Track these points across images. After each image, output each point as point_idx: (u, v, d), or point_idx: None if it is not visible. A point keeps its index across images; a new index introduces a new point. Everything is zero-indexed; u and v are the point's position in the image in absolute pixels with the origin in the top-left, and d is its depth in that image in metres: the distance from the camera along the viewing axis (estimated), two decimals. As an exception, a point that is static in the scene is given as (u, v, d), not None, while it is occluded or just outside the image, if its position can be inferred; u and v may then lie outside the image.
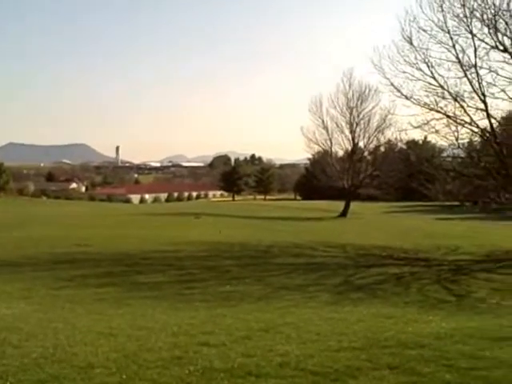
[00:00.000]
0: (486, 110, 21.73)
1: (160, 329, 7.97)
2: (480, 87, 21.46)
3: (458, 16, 21.22)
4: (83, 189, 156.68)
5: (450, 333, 7.65)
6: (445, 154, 30.28)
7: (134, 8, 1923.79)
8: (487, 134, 22.57)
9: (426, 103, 22.78)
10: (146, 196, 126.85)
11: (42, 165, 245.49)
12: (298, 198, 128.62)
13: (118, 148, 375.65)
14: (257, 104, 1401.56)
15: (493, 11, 20.35)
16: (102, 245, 22.07)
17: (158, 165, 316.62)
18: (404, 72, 22.97)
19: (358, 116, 51.07)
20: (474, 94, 21.70)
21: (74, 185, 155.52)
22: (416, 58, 22.43)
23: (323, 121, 52.68)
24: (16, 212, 49.07)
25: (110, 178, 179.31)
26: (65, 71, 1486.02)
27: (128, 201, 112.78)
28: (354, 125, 51.47)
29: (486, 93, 21.43)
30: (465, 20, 21.06)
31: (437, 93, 22.37)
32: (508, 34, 20.29)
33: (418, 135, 31.53)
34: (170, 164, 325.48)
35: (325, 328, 8.17)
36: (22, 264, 17.21)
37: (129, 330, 7.91)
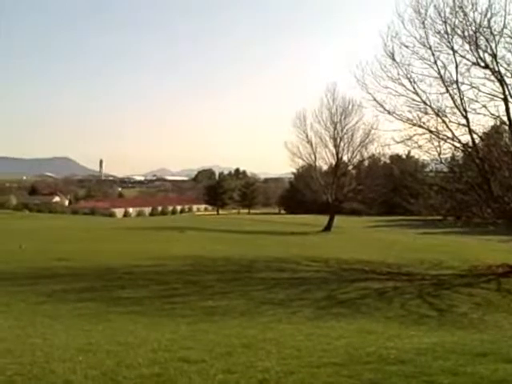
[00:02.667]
0: (468, 126, 21.92)
1: (140, 344, 7.86)
2: (462, 103, 21.69)
3: (439, 32, 21.48)
4: (66, 202, 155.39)
5: (431, 348, 7.63)
6: (428, 169, 30.46)
7: (118, 21, 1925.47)
8: (469, 149, 22.75)
9: (408, 118, 22.95)
10: (130, 210, 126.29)
11: (24, 178, 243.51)
12: (283, 212, 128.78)
13: (101, 161, 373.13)
14: (242, 118, 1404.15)
15: (474, 28, 20.62)
16: (84, 259, 21.86)
17: (142, 178, 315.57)
18: (387, 87, 23.15)
19: (342, 131, 51.39)
20: (455, 110, 21.91)
21: (57, 198, 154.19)
22: (398, 74, 22.63)
23: (307, 135, 52.98)
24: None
25: (94, 192, 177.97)
26: (48, 84, 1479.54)
27: (112, 215, 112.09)
28: (338, 139, 51.75)
29: (468, 108, 21.66)
30: (446, 36, 21.33)
31: (419, 108, 22.55)
32: (488, 50, 20.55)
33: (401, 150, 31.82)
34: (154, 178, 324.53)
35: (306, 344, 8.11)
36: (1, 278, 16.96)
37: (108, 345, 7.78)
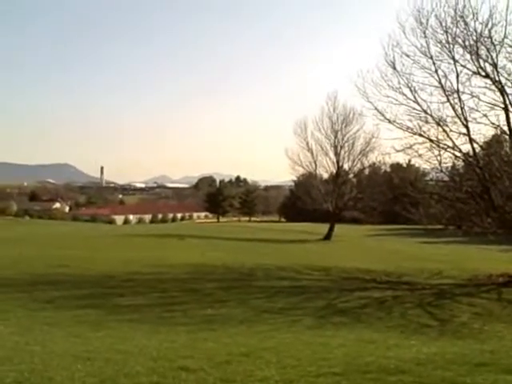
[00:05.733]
0: (469, 135, 21.89)
1: (139, 353, 7.84)
2: (462, 112, 21.66)
3: (440, 42, 21.50)
4: (67, 209, 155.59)
5: (431, 358, 7.60)
6: (428, 178, 30.43)
7: (121, 27, 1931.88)
8: (470, 159, 22.73)
9: (409, 127, 22.92)
10: (131, 217, 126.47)
11: (25, 184, 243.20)
12: (283, 220, 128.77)
13: (102, 168, 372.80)
14: (243, 126, 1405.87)
15: (474, 38, 20.64)
16: (84, 266, 21.81)
17: (143, 185, 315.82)
18: (387, 96, 23.13)
19: (343, 139, 51.41)
20: (456, 119, 21.88)
21: (57, 205, 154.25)
22: (399, 83, 22.62)
23: (308, 143, 53.01)
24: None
25: (94, 199, 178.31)
26: (49, 90, 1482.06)
27: (112, 222, 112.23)
28: (339, 148, 51.79)
29: (469, 118, 21.61)
30: (447, 46, 21.34)
31: (420, 117, 22.53)
32: (489, 60, 20.57)
33: (401, 159, 31.76)
34: (154, 185, 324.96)
35: (305, 353, 8.09)
36: (0, 285, 16.90)
37: (107, 353, 7.76)
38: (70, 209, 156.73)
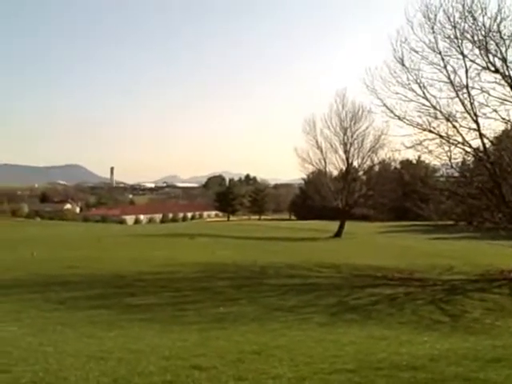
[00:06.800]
0: (479, 130, 21.80)
1: (151, 352, 7.87)
2: (472, 107, 21.56)
3: (449, 37, 21.39)
4: (78, 210, 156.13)
5: (444, 354, 7.59)
6: (438, 174, 30.34)
7: (125, 29, 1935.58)
8: (480, 154, 22.62)
9: (418, 123, 22.86)
10: (141, 217, 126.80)
11: (36, 185, 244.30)
12: (293, 218, 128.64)
13: (112, 169, 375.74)
14: (252, 124, 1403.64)
15: (483, 32, 20.53)
16: (95, 266, 21.91)
17: (153, 185, 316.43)
18: (396, 93, 23.07)
19: (352, 136, 51.29)
20: (466, 115, 21.78)
21: (68, 206, 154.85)
22: (408, 79, 22.56)
23: (317, 141, 52.95)
24: (7, 234, 48.82)
25: (105, 199, 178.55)
26: (58, 92, 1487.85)
27: (123, 222, 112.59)
28: (348, 145, 51.68)
29: (478, 113, 21.51)
30: (456, 41, 21.23)
31: (429, 113, 22.46)
32: (498, 55, 20.45)
33: (411, 155, 31.60)
34: (164, 185, 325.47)
35: (317, 350, 8.09)
36: (13, 286, 17.03)
37: (120, 353, 7.80)
38: (81, 209, 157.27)
